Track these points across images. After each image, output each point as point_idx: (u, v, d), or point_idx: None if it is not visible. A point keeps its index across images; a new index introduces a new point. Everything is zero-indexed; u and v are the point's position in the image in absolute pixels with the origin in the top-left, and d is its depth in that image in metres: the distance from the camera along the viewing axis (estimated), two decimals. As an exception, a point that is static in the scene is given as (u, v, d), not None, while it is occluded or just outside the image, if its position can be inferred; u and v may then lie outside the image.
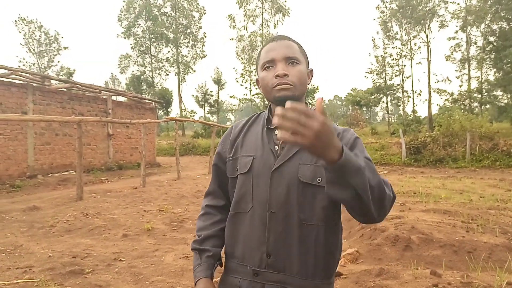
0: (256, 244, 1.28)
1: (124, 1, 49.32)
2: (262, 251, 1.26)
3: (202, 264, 1.38)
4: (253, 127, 1.43)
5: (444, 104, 40.51)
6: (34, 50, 51.23)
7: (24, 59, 53.83)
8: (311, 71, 1.38)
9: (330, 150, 0.91)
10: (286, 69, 1.25)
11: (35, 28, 50.81)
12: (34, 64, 51.34)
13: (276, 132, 1.33)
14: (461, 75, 41.20)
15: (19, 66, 39.30)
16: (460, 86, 40.26)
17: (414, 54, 42.93)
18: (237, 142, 1.41)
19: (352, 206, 1.05)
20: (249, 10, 45.83)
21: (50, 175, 13.51)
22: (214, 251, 1.39)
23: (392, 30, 43.92)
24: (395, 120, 49.72)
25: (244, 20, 46.33)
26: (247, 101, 48.57)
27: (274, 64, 1.28)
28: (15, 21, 49.69)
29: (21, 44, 50.92)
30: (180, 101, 48.58)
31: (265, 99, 46.34)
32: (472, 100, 38.53)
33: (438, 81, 46.55)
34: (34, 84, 13.77)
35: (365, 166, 1.00)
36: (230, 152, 1.41)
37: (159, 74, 51.98)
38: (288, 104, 0.87)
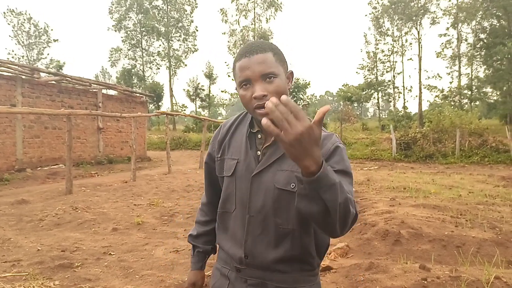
0: (237, 245, 1.35)
1: (115, -6, 48.80)
2: (241, 252, 1.33)
3: (194, 257, 1.60)
4: (240, 127, 1.44)
5: (435, 100, 40.96)
6: (23, 42, 50.42)
7: (13, 51, 53.11)
8: (291, 73, 1.32)
9: (307, 159, 0.91)
10: (263, 88, 1.21)
11: (24, 20, 49.95)
12: (23, 56, 50.55)
13: (259, 136, 1.35)
14: (451, 71, 41.69)
15: (8, 58, 38.72)
16: (451, 82, 40.73)
17: (405, 50, 43.27)
18: (224, 143, 1.45)
19: (317, 220, 1.04)
20: (241, 4, 45.61)
21: (39, 168, 13.36)
22: (203, 249, 1.59)
23: (384, 26, 44.14)
24: (386, 116, 50.02)
25: (236, 15, 46.15)
26: (238, 96, 48.41)
27: (251, 83, 1.23)
28: (4, 13, 48.78)
29: (10, 36, 50.29)
30: (171, 95, 48.35)
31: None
32: (462, 97, 38.92)
33: (428, 77, 47.07)
34: (23, 77, 13.56)
35: (339, 182, 0.99)
36: (218, 152, 1.46)
37: (150, 67, 51.60)
38: (284, 98, 0.88)
